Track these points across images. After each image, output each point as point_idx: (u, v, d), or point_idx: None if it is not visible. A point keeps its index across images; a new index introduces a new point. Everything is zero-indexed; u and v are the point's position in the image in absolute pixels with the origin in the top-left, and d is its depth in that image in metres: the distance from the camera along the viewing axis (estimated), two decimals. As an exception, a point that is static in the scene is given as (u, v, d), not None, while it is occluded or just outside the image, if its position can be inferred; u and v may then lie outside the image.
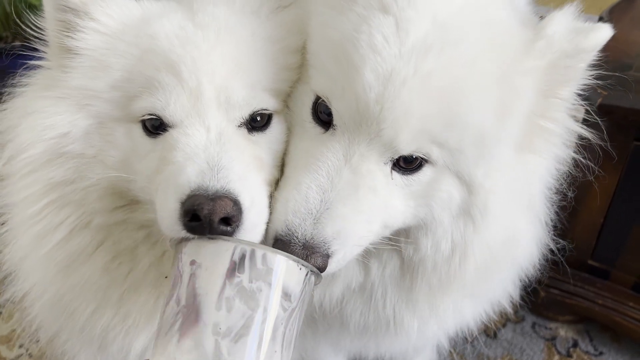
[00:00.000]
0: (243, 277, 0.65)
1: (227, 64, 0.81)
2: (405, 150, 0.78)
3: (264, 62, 0.84)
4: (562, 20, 0.83)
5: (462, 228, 0.87)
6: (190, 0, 0.88)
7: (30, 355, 1.79)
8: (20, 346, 1.80)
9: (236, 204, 0.74)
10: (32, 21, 0.89)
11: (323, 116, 0.81)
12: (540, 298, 1.85)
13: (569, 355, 1.82)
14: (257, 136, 0.85)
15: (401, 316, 1.00)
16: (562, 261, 1.78)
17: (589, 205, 1.66)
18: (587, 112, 0.99)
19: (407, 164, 0.80)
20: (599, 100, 1.40)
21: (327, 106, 0.80)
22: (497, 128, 0.80)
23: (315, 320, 1.07)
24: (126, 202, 0.88)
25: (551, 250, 1.12)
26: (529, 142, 0.88)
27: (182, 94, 0.80)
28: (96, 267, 0.92)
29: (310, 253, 0.74)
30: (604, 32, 0.83)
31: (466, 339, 1.82)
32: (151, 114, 0.82)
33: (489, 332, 1.87)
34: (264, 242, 0.79)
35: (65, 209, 0.89)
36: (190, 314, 0.65)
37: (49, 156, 0.88)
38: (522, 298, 1.89)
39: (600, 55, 0.87)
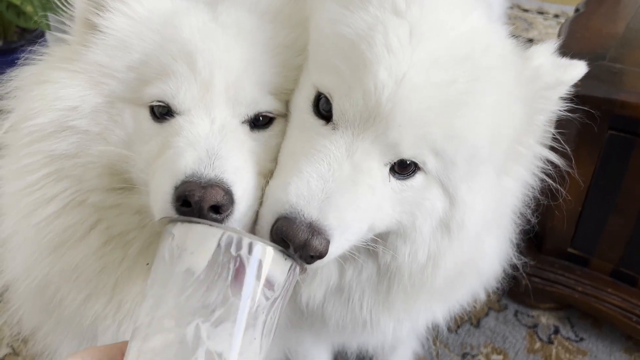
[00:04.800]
0: (227, 265, 0.66)
1: (241, 62, 0.83)
2: (406, 154, 0.79)
3: (276, 66, 0.86)
4: (545, 54, 0.90)
5: (439, 239, 0.89)
6: (216, 2, 0.91)
7: (17, 355, 1.79)
8: (8, 345, 1.80)
9: (228, 193, 0.76)
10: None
11: (324, 111, 0.82)
12: (522, 286, 1.88)
13: (550, 342, 1.85)
14: (258, 134, 0.87)
15: (377, 318, 1.02)
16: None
17: (568, 194, 1.69)
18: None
19: (402, 170, 0.82)
20: (574, 91, 1.43)
21: (327, 102, 0.81)
22: (488, 147, 0.84)
23: (300, 316, 1.09)
24: (123, 184, 0.89)
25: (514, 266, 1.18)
26: (507, 166, 0.93)
27: (194, 84, 0.82)
28: (89, 250, 0.92)
29: (314, 234, 0.73)
30: (580, 69, 0.92)
31: (449, 328, 1.86)
32: (160, 101, 0.84)
33: (472, 320, 1.90)
34: (256, 230, 0.80)
35: (62, 182, 0.90)
36: None
37: (54, 127, 0.89)
38: (504, 287, 1.93)
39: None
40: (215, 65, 0.82)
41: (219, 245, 0.66)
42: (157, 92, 0.84)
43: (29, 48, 0.96)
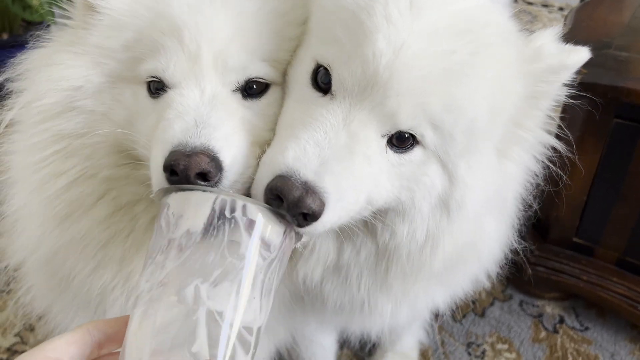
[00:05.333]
0: (223, 227, 0.67)
1: (228, 31, 0.84)
2: (404, 125, 0.79)
3: (267, 33, 0.87)
4: (549, 39, 0.89)
5: (437, 219, 0.89)
6: None
7: (25, 344, 1.81)
8: (15, 335, 1.81)
9: (214, 160, 0.77)
10: None
11: (322, 84, 0.83)
12: (527, 276, 1.88)
13: (555, 331, 1.86)
14: (252, 102, 0.88)
15: (375, 299, 1.03)
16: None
17: (573, 183, 1.69)
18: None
19: (400, 143, 0.82)
20: (579, 78, 1.43)
21: (326, 74, 0.81)
22: (487, 122, 0.84)
23: (302, 298, 1.09)
24: (131, 159, 0.91)
25: (516, 252, 1.17)
26: (508, 149, 0.93)
27: (182, 57, 0.84)
28: (95, 221, 0.94)
29: (308, 192, 0.73)
30: (584, 54, 0.90)
31: (454, 317, 1.86)
32: (153, 76, 0.86)
33: (477, 310, 1.90)
34: (251, 192, 0.81)
35: (71, 159, 0.92)
36: None
37: (61, 107, 0.91)
38: (508, 277, 1.94)
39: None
40: (202, 37, 0.83)
41: (213, 209, 0.67)
42: (150, 67, 0.86)
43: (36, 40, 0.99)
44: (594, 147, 1.60)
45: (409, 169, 0.84)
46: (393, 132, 0.81)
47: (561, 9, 3.70)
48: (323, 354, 1.59)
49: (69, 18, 0.95)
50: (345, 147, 0.77)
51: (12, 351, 1.78)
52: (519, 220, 1.11)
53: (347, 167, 0.77)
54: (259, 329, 0.69)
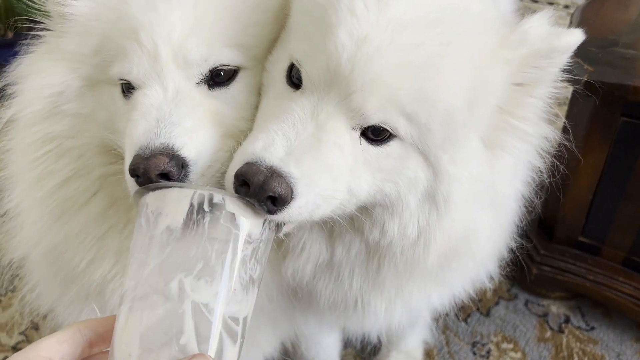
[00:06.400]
0: (202, 221, 0.69)
1: (185, 24, 0.84)
2: (373, 119, 0.79)
3: (228, 18, 0.87)
4: (537, 22, 0.86)
5: (427, 213, 0.88)
6: None
7: (30, 342, 1.81)
8: (20, 333, 1.82)
9: (174, 158, 0.78)
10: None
11: (295, 80, 0.83)
12: (533, 275, 1.88)
13: (561, 331, 1.85)
14: (219, 91, 0.88)
15: (368, 297, 1.03)
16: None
17: (579, 182, 1.68)
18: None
19: (376, 135, 0.81)
20: (586, 77, 1.42)
21: (299, 70, 0.82)
22: (465, 112, 0.82)
23: (299, 296, 1.09)
24: (120, 157, 0.92)
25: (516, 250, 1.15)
26: (499, 139, 0.90)
27: (143, 58, 0.84)
28: (91, 215, 0.96)
29: (273, 175, 0.74)
30: (576, 36, 0.85)
31: (459, 317, 1.86)
32: (122, 79, 0.88)
33: (482, 310, 1.90)
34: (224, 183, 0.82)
35: (63, 158, 0.95)
36: None
37: (47, 112, 0.94)
38: (514, 276, 1.93)
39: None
40: (158, 35, 0.84)
41: (191, 204, 0.69)
42: (117, 71, 0.87)
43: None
44: (601, 145, 1.59)
45: (389, 161, 0.83)
46: (365, 126, 0.80)
47: (567, 6, 3.68)
48: (326, 353, 1.58)
49: (46, 29, 0.97)
50: (312, 136, 0.78)
51: (18, 349, 1.79)
52: (523, 219, 1.09)
53: (315, 155, 0.77)
54: (245, 318, 0.70)
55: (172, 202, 0.69)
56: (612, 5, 1.75)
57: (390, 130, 0.80)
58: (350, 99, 0.78)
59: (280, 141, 0.77)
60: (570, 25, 1.69)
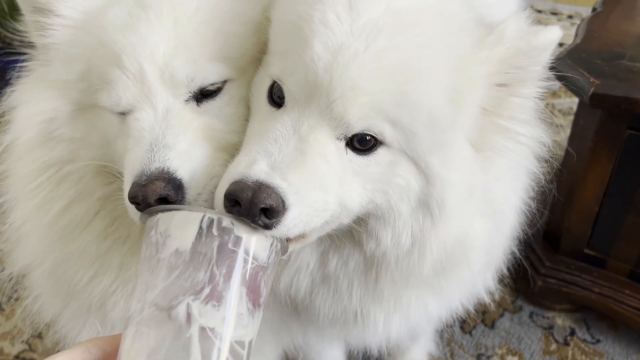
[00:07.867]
0: (211, 244, 0.69)
1: (168, 43, 0.84)
2: (357, 127, 0.79)
3: (208, 33, 0.86)
4: (514, 22, 0.85)
5: (421, 221, 0.88)
6: None
7: (33, 351, 1.80)
8: (23, 342, 1.81)
9: (170, 181, 0.79)
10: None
11: (277, 99, 0.84)
12: (538, 287, 1.87)
13: (566, 343, 1.84)
14: (207, 105, 0.88)
15: (367, 309, 1.02)
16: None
17: (584, 194, 1.68)
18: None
19: (362, 145, 0.81)
20: (592, 90, 1.42)
21: (280, 89, 0.82)
22: (449, 114, 0.82)
23: (298, 311, 1.09)
24: (118, 176, 0.92)
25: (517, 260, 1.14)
26: (488, 140, 0.89)
27: (128, 83, 0.84)
28: (93, 235, 0.96)
29: (261, 187, 0.74)
30: (555, 33, 0.85)
31: (464, 329, 1.85)
32: (111, 111, 0.88)
33: (487, 322, 1.89)
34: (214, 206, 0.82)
35: (63, 183, 0.95)
36: None
37: (41, 139, 0.95)
38: (519, 288, 1.92)
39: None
40: (141, 55, 0.83)
41: (200, 227, 0.69)
42: (106, 103, 0.87)
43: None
44: (607, 158, 1.59)
45: (378, 170, 0.82)
46: (349, 135, 0.80)
47: (570, 17, 3.68)
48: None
49: (33, 60, 0.97)
50: (295, 150, 0.78)
51: (21, 358, 1.78)
52: (527, 230, 1.08)
53: (299, 167, 0.77)
54: (250, 342, 0.70)
55: (181, 225, 0.69)
56: (618, 18, 1.75)
57: (376, 137, 0.80)
58: (331, 108, 0.78)
59: (263, 158, 0.77)
60: (576, 37, 1.69)
